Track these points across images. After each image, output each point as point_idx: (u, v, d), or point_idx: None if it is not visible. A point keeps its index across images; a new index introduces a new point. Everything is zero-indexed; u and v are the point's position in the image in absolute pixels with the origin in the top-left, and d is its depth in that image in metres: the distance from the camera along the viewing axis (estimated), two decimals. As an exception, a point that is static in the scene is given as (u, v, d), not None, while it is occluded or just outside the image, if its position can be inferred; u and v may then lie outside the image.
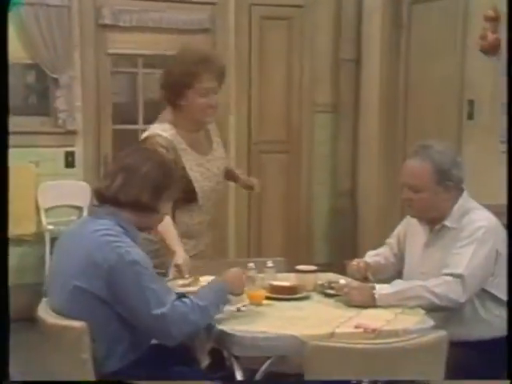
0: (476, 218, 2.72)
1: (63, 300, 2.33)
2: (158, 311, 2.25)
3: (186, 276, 2.77)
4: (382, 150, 5.50)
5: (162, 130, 3.08)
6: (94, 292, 2.27)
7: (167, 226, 2.85)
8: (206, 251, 3.27)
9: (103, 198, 2.41)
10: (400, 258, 3.01)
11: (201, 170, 3.15)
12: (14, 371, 2.50)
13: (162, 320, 2.26)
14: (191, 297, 2.37)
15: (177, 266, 2.80)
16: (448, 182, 2.72)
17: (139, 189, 2.38)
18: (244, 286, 2.56)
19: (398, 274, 2.97)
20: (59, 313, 2.35)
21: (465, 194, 2.78)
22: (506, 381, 2.45)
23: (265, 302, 2.66)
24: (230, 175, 3.42)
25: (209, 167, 3.19)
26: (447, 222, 2.75)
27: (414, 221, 2.90)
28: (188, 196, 3.09)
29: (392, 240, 3.05)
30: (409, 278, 2.81)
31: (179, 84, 3.04)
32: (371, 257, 3.04)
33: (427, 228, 2.84)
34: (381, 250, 3.07)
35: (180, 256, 2.82)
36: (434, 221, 2.79)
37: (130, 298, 2.26)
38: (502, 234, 2.75)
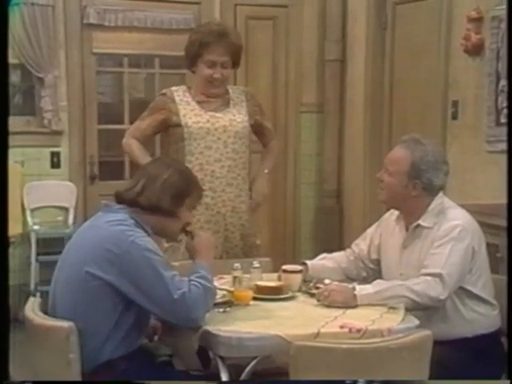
0: (451, 217, 2.73)
1: (70, 290, 2.36)
2: (177, 293, 2.31)
3: None
4: (368, 149, 5.52)
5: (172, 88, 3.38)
6: (104, 278, 2.30)
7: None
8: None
9: (121, 200, 2.48)
10: (367, 260, 2.99)
11: (198, 120, 3.26)
12: None
13: (182, 302, 2.32)
14: (197, 279, 2.41)
15: None
16: (416, 180, 2.73)
17: (159, 193, 2.45)
18: (213, 253, 2.63)
19: (357, 277, 2.98)
20: (62, 304, 2.37)
21: (440, 193, 2.79)
22: (506, 381, 2.47)
23: (251, 302, 2.67)
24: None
25: (211, 121, 3.28)
26: (422, 221, 2.77)
27: (390, 222, 2.92)
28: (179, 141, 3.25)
29: (361, 241, 3.03)
30: (388, 280, 2.80)
31: (192, 51, 3.26)
32: (319, 260, 3.04)
33: (403, 228, 2.86)
34: (336, 254, 3.07)
35: None
36: (408, 219, 2.81)
37: (147, 284, 2.31)
38: (478, 231, 2.77)
